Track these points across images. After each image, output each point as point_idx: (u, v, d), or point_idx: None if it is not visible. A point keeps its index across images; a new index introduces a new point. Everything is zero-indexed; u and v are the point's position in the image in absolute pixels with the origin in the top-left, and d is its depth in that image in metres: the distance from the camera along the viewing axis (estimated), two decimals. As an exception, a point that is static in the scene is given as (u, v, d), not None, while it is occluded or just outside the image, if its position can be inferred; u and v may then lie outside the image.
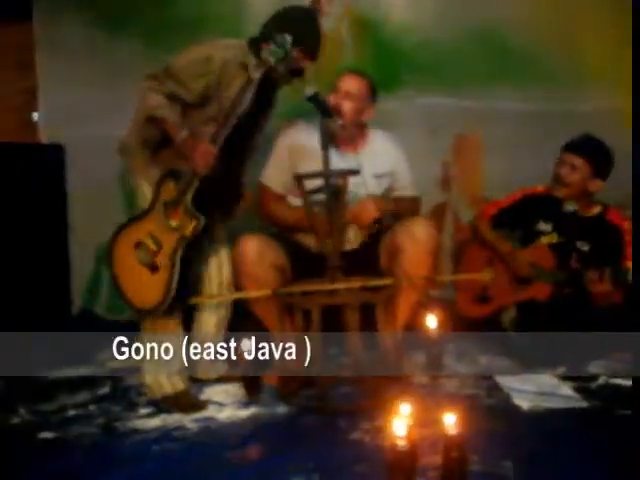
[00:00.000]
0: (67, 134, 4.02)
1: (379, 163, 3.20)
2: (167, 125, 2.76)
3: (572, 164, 3.38)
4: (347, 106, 3.10)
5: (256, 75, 2.74)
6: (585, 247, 3.38)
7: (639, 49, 2.68)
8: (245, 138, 2.98)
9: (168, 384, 2.93)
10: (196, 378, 3.11)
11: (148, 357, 2.94)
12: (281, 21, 2.86)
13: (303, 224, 3.06)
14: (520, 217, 3.52)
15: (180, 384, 2.94)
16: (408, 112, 4.15)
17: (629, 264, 3.24)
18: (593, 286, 3.19)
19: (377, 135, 3.29)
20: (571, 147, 3.42)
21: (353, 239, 3.20)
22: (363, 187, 3.10)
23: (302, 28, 2.83)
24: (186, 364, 2.99)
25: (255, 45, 2.84)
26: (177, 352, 2.94)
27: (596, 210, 3.46)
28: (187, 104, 2.81)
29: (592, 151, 3.40)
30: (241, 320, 3.20)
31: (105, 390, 3.15)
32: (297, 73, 2.88)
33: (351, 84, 3.13)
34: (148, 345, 2.93)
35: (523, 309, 3.34)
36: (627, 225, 3.37)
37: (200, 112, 2.83)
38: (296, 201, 3.13)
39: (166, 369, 2.93)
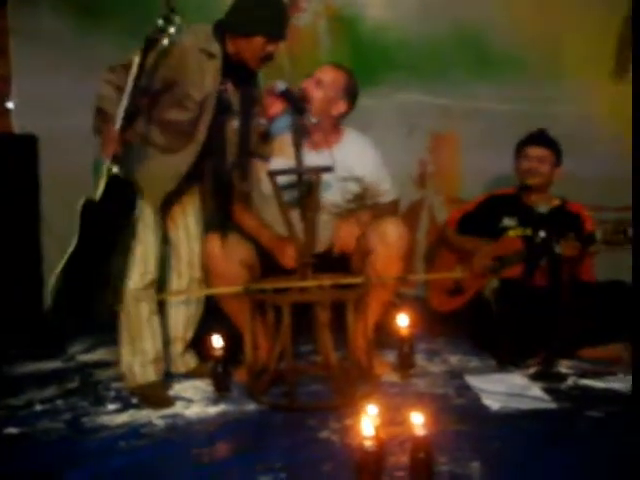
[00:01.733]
0: (40, 124, 3.97)
1: (348, 166, 3.09)
2: (106, 116, 2.70)
3: (538, 156, 3.51)
4: (316, 94, 3.03)
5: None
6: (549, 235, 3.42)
7: (638, 41, 2.68)
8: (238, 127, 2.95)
9: (141, 374, 2.92)
10: (166, 372, 3.08)
11: (124, 345, 2.93)
12: (245, 6, 2.81)
13: (257, 239, 3.09)
14: (485, 217, 3.60)
15: (152, 375, 2.93)
16: (385, 109, 4.17)
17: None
18: (564, 250, 3.25)
19: (351, 136, 3.20)
20: (533, 140, 3.56)
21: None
22: (331, 192, 3.09)
23: (265, 11, 2.78)
24: (161, 354, 2.98)
25: (220, 29, 2.82)
26: (151, 341, 2.93)
27: (556, 202, 3.57)
28: (152, 92, 2.78)
29: (552, 141, 3.55)
30: (212, 316, 3.18)
31: (73, 384, 3.12)
32: (267, 58, 2.84)
33: (325, 74, 3.08)
34: (124, 333, 2.93)
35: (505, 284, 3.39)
36: (587, 213, 3.54)
37: (164, 97, 2.80)
38: (266, 194, 3.10)
39: (140, 358, 2.92)
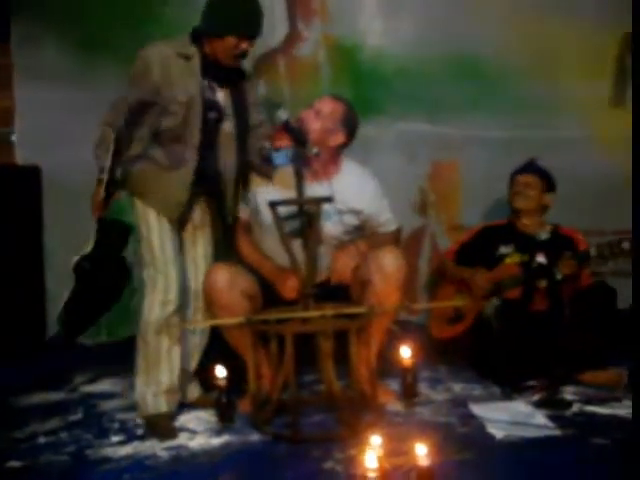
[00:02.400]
0: (44, 156, 4.01)
1: (345, 198, 3.08)
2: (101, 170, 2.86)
3: (525, 182, 3.62)
4: (314, 124, 3.05)
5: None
6: (546, 262, 3.46)
7: (639, 50, 2.70)
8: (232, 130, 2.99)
9: (153, 404, 2.93)
10: (180, 402, 3.08)
11: (139, 374, 2.95)
12: (215, 7, 2.86)
13: (258, 270, 3.11)
14: (481, 247, 3.66)
15: (164, 406, 2.94)
16: (385, 138, 4.19)
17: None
18: (561, 269, 3.35)
19: (350, 168, 3.20)
20: (521, 170, 3.68)
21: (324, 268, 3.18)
22: (328, 223, 3.09)
23: (235, 10, 2.82)
24: (176, 385, 2.98)
25: (196, 35, 2.89)
26: (168, 372, 2.94)
27: (549, 228, 3.61)
28: (140, 107, 2.85)
29: (539, 169, 3.66)
30: (216, 347, 3.18)
31: (77, 416, 3.11)
32: (241, 56, 2.89)
33: (324, 105, 3.11)
34: (140, 361, 2.95)
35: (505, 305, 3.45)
36: (580, 236, 3.60)
37: (152, 109, 2.85)
38: (265, 225, 3.12)
39: (154, 388, 2.93)
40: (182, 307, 2.99)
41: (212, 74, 2.91)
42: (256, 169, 3.08)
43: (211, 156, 2.93)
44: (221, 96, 2.95)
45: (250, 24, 2.86)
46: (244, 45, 2.85)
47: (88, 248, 2.89)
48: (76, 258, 2.88)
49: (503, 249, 3.59)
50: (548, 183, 3.65)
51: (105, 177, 2.82)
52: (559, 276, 3.34)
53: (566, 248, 3.48)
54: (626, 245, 3.25)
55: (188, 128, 2.86)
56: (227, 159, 2.97)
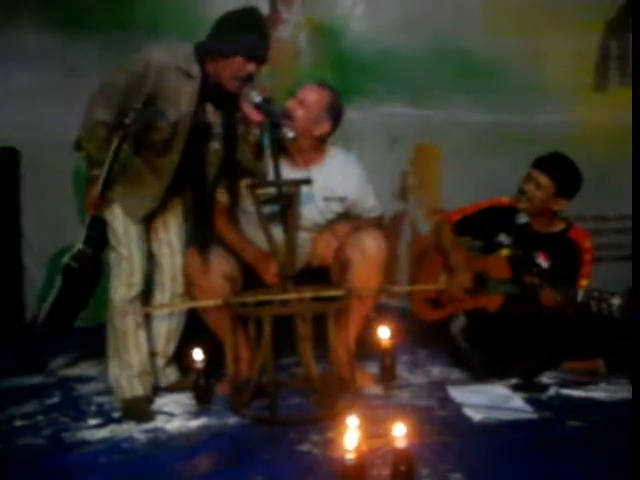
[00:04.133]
0: (21, 138, 3.96)
1: (331, 185, 3.10)
2: (92, 164, 2.86)
3: (537, 181, 3.32)
4: (299, 113, 3.02)
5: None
6: (545, 263, 3.36)
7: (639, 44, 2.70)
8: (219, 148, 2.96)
9: (128, 388, 2.92)
10: (155, 386, 3.08)
11: (111, 358, 2.95)
12: (224, 26, 2.79)
13: (239, 254, 3.09)
14: (483, 227, 3.49)
15: (139, 389, 2.93)
16: (367, 122, 4.17)
17: (583, 283, 3.27)
18: (548, 302, 3.18)
19: (335, 155, 3.18)
20: (539, 164, 3.35)
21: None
22: (314, 211, 3.10)
23: (245, 31, 2.76)
24: (148, 368, 2.98)
25: (200, 52, 2.81)
26: (137, 354, 2.94)
27: (560, 227, 3.43)
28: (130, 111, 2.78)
29: (559, 171, 3.33)
30: (194, 330, 3.17)
31: (54, 400, 3.09)
32: (246, 79, 2.82)
33: (309, 93, 3.08)
34: (111, 346, 2.96)
35: (473, 318, 3.32)
36: (587, 244, 3.37)
37: (145, 113, 2.78)
38: (247, 209, 3.10)
39: (127, 372, 2.92)
40: (151, 291, 3.03)
41: (210, 97, 2.85)
42: (249, 172, 3.03)
43: (191, 172, 2.93)
44: (213, 117, 2.89)
45: (259, 46, 2.80)
46: (250, 67, 2.78)
47: (77, 246, 2.90)
48: (65, 258, 2.89)
49: (503, 238, 3.41)
50: (562, 187, 3.32)
51: (103, 175, 2.79)
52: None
53: (568, 255, 3.34)
54: (616, 301, 3.02)
55: (171, 145, 2.82)
56: (208, 173, 2.97)
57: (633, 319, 2.50)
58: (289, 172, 2.97)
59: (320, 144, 3.14)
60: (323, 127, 3.07)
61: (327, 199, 3.12)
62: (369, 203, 3.25)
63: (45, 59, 3.99)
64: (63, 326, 3.07)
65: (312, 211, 3.10)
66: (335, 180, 3.11)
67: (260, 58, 2.81)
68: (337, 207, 3.17)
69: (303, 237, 3.11)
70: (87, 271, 2.92)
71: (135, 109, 2.73)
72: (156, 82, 2.74)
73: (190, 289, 3.05)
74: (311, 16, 4.20)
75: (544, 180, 3.30)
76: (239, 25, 2.77)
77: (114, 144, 2.75)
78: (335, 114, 3.09)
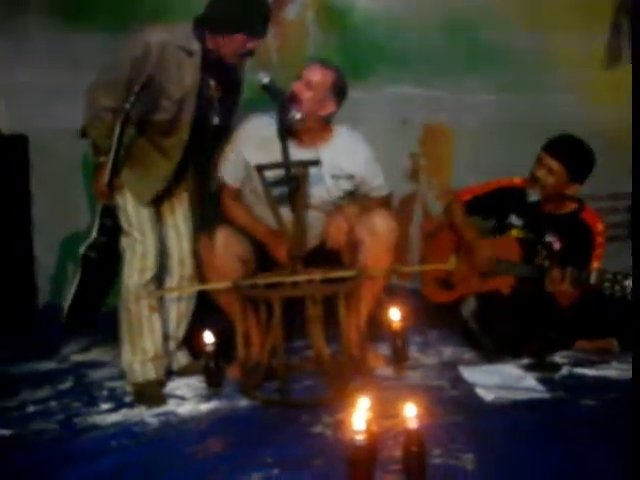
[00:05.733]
0: (31, 125, 3.96)
1: (339, 163, 3.09)
2: (98, 151, 2.87)
3: (549, 167, 3.26)
4: (306, 95, 2.99)
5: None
6: (556, 244, 3.34)
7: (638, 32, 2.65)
8: (218, 123, 2.95)
9: (141, 372, 2.93)
10: (168, 369, 3.09)
11: (124, 343, 2.96)
12: (223, 3, 2.78)
13: (251, 233, 3.09)
14: (494, 207, 3.47)
15: (152, 373, 2.94)
16: (376, 102, 4.13)
17: (596, 265, 3.24)
18: (553, 286, 3.16)
19: (342, 133, 3.16)
20: (550, 149, 3.29)
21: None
22: (323, 189, 3.09)
23: (246, 8, 2.75)
24: (161, 352, 2.99)
25: (200, 25, 2.80)
26: (150, 339, 2.95)
27: (571, 207, 3.40)
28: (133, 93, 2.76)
29: (570, 155, 3.28)
30: (206, 312, 3.17)
31: (67, 385, 3.09)
32: (246, 54, 2.83)
33: (314, 74, 3.04)
34: (124, 330, 2.96)
35: (484, 301, 3.29)
36: (600, 226, 3.34)
37: (143, 96, 2.76)
38: (257, 191, 3.09)
39: (140, 356, 2.93)
40: (161, 274, 3.02)
41: (212, 71, 2.84)
42: None
43: (197, 151, 2.93)
44: (215, 91, 2.88)
45: (261, 23, 2.80)
46: (251, 44, 2.78)
47: (93, 235, 2.92)
48: (82, 249, 2.91)
49: (514, 219, 3.39)
50: (575, 174, 3.28)
51: (110, 162, 2.79)
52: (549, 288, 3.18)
53: (580, 237, 3.32)
54: (629, 283, 3.02)
55: (178, 123, 2.82)
56: (213, 151, 3.00)
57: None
58: (297, 152, 2.96)
59: (326, 123, 3.12)
60: (330, 107, 3.06)
61: (335, 177, 3.11)
62: (377, 181, 3.23)
63: (50, 43, 3.97)
64: (87, 317, 3.08)
65: (321, 190, 3.09)
66: (343, 158, 3.10)
67: (261, 35, 2.81)
68: (346, 185, 3.15)
69: (313, 216, 3.11)
70: (105, 259, 2.93)
71: (134, 93, 2.72)
72: (157, 63, 2.73)
73: (203, 271, 3.04)
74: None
75: (556, 165, 3.25)
76: (243, 2, 2.76)
77: (116, 130, 2.74)
78: (340, 93, 3.08)
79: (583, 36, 4.24)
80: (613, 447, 2.30)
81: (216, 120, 2.91)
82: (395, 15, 4.19)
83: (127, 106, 2.72)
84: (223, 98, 2.91)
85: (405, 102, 4.23)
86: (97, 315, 3.10)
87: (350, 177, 3.14)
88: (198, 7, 2.86)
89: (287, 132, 2.89)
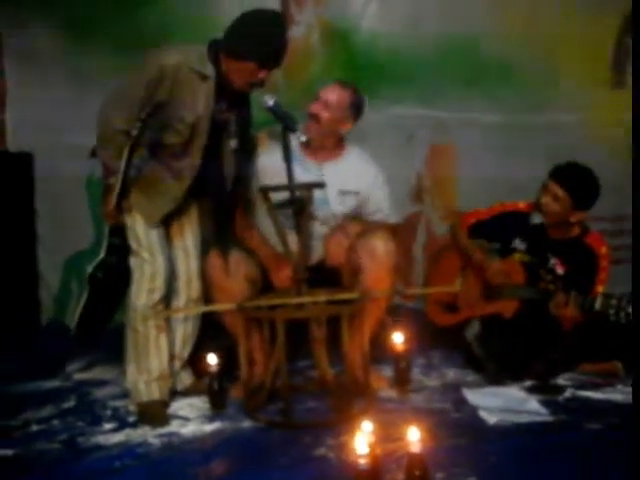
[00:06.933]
0: (36, 143, 3.98)
1: (347, 180, 3.12)
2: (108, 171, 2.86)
3: (555, 194, 3.26)
4: (324, 115, 3.04)
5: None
6: (560, 269, 3.34)
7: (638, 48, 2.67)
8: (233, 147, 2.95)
9: (145, 392, 2.92)
10: (172, 390, 3.08)
11: (129, 362, 2.95)
12: (243, 27, 2.74)
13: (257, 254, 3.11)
14: (497, 232, 3.48)
15: (156, 393, 2.93)
16: (381, 122, 4.14)
17: (600, 290, 3.25)
18: (557, 310, 3.17)
19: (352, 152, 3.21)
20: (556, 176, 3.29)
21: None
22: (330, 205, 3.11)
23: (262, 37, 2.71)
24: (167, 372, 2.98)
25: (214, 49, 2.78)
26: (157, 359, 2.94)
27: (575, 232, 3.39)
28: (144, 115, 2.77)
29: (576, 183, 3.28)
30: (211, 333, 3.17)
31: (70, 404, 3.09)
32: (257, 84, 2.81)
33: (331, 94, 3.08)
34: (130, 350, 2.95)
35: (488, 324, 3.29)
36: (604, 249, 3.34)
37: (155, 120, 2.77)
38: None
39: (145, 376, 2.92)
40: (169, 295, 3.00)
41: (225, 96, 2.82)
42: None
43: (209, 173, 2.92)
44: (228, 116, 2.88)
45: (274, 55, 2.76)
46: (262, 74, 2.75)
47: (100, 255, 2.94)
48: (89, 269, 2.93)
49: (517, 243, 3.39)
50: (580, 202, 3.28)
51: (118, 184, 2.79)
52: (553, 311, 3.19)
53: (584, 261, 3.31)
54: (630, 310, 3.04)
55: (190, 147, 2.81)
56: (227, 173, 2.96)
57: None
58: (304, 170, 3.01)
59: (341, 141, 3.18)
60: (347, 125, 3.12)
61: (343, 193, 3.14)
62: (385, 204, 3.24)
63: (56, 61, 4.01)
64: (94, 336, 3.11)
65: (327, 206, 3.12)
66: (351, 174, 3.14)
67: (273, 67, 2.79)
68: (352, 201, 3.18)
69: (319, 232, 3.13)
70: (112, 279, 2.94)
71: (140, 119, 2.73)
72: (171, 86, 2.71)
73: (211, 291, 3.05)
74: (323, 16, 4.19)
75: (561, 193, 3.26)
76: (258, 30, 2.72)
77: (124, 154, 2.75)
78: (358, 111, 3.14)
79: (589, 54, 4.26)
80: (617, 471, 2.29)
81: (233, 144, 2.92)
82: (399, 35, 4.22)
83: (134, 132, 2.73)
84: (236, 121, 2.91)
85: (409, 122, 4.25)
86: (103, 332, 3.11)
87: (356, 194, 3.17)
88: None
89: (291, 154, 2.88)
